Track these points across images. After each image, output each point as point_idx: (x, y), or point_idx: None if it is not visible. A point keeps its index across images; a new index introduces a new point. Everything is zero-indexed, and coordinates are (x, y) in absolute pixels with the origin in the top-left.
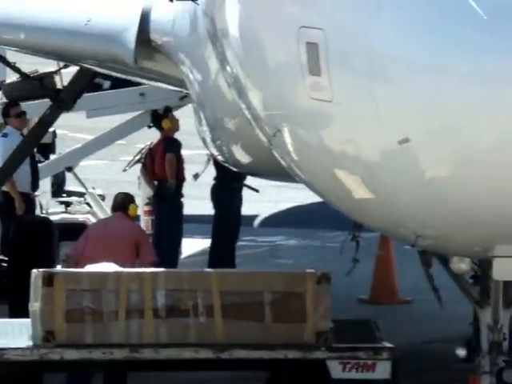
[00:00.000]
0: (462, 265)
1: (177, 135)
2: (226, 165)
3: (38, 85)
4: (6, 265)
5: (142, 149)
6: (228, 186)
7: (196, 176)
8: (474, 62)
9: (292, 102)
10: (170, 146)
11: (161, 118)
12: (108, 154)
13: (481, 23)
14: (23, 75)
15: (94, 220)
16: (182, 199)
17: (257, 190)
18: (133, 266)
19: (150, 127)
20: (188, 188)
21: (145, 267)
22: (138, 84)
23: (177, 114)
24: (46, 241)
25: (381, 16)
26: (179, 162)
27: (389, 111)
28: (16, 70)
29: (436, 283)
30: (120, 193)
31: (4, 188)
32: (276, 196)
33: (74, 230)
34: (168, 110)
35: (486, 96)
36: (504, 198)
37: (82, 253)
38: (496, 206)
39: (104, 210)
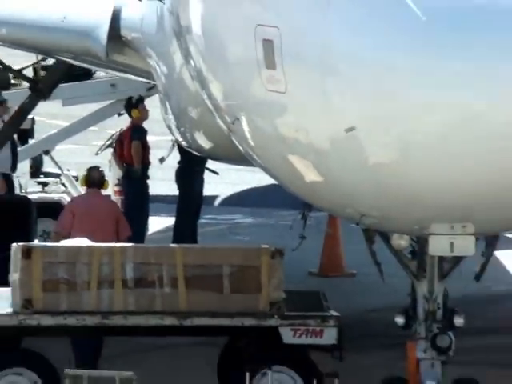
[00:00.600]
0: (401, 241)
1: (145, 122)
2: (189, 150)
3: (17, 75)
4: None
5: (113, 135)
6: (191, 169)
7: (162, 160)
8: (411, 56)
9: (250, 94)
10: (136, 134)
11: (131, 107)
12: (82, 139)
13: (418, 23)
14: (5, 67)
15: (68, 199)
16: (148, 181)
17: (217, 173)
18: (115, 240)
19: (119, 115)
20: (154, 171)
21: (123, 241)
22: None
23: (146, 102)
24: (25, 217)
25: (328, 15)
26: (145, 148)
27: (336, 102)
28: None
29: (378, 258)
30: (93, 169)
31: None
32: (234, 178)
33: (50, 208)
34: (140, 100)
35: (422, 89)
36: (438, 181)
37: (71, 229)
38: (431, 189)
39: (78, 190)
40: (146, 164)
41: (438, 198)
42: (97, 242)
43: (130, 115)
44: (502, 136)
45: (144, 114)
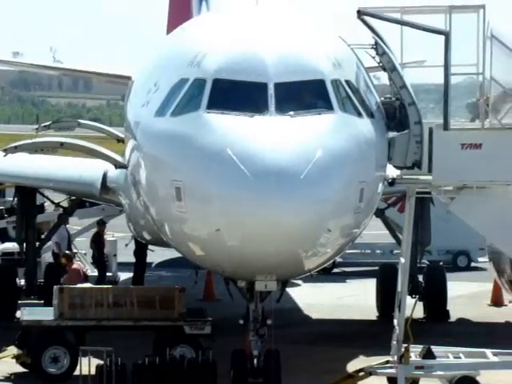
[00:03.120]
0: (242, 283)
1: (118, 222)
2: (139, 239)
3: (56, 204)
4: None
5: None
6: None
7: (126, 245)
8: (236, 197)
9: (169, 213)
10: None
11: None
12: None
13: (246, 179)
14: (51, 201)
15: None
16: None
17: (152, 250)
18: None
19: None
20: (124, 250)
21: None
22: None
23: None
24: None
25: (207, 176)
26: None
27: (210, 218)
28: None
29: (231, 290)
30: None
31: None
32: (163, 252)
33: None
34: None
35: (242, 217)
36: (258, 258)
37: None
38: (257, 261)
39: (86, 262)
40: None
41: (259, 265)
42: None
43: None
44: (277, 234)
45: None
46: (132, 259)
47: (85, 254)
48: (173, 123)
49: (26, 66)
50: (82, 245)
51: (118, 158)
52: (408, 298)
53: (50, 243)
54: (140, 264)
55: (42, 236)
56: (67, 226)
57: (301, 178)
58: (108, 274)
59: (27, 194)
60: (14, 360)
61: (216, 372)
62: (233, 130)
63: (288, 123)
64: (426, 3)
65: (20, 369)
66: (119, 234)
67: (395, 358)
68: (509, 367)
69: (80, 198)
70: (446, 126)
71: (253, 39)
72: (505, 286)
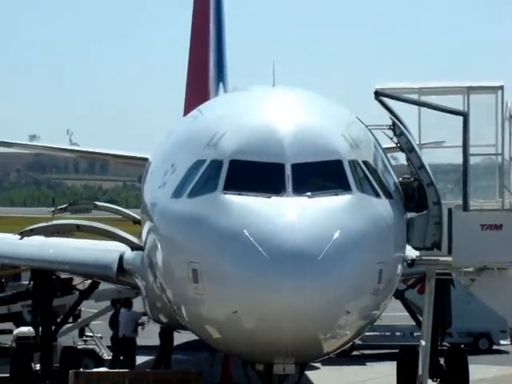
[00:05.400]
0: (260, 367)
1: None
2: (156, 322)
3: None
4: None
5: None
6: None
7: (143, 328)
8: (254, 279)
9: (186, 295)
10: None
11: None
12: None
13: (263, 260)
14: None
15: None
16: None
17: (179, 332)
18: None
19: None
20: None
21: None
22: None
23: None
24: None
25: (224, 259)
26: None
27: (227, 300)
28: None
29: (249, 374)
30: None
31: None
32: (180, 336)
33: (88, 352)
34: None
35: (259, 299)
36: (274, 342)
37: None
38: (274, 346)
39: (102, 344)
40: None
41: (277, 348)
42: None
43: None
44: (295, 317)
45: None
46: (148, 342)
47: (101, 338)
48: (190, 204)
49: (41, 149)
50: (98, 328)
51: (135, 239)
52: (429, 381)
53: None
54: (165, 346)
55: (58, 320)
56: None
57: (318, 259)
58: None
59: (43, 276)
60: None
61: None
62: (250, 210)
63: (305, 204)
64: (444, 84)
65: None
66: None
67: None
68: None
69: (96, 281)
70: (465, 207)
71: (269, 120)
72: None
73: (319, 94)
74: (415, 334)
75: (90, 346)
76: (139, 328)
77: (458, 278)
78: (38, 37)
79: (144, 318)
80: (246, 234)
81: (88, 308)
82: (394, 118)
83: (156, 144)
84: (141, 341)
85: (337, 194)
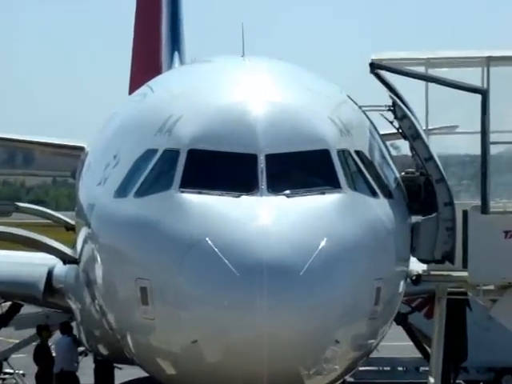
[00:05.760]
0: None
1: None
2: (94, 354)
3: None
4: None
5: None
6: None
7: (77, 363)
8: (218, 301)
9: (133, 321)
10: None
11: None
12: None
13: (230, 277)
14: None
15: None
16: None
17: (120, 368)
18: None
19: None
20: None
21: None
22: None
23: None
24: None
25: (180, 273)
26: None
27: (185, 327)
28: None
29: None
30: None
31: None
32: (126, 371)
33: None
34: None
35: (225, 326)
36: (239, 375)
37: None
38: (237, 379)
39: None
40: None
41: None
42: None
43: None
44: (271, 347)
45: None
46: (82, 380)
47: (23, 375)
48: (137, 206)
49: None
50: (20, 363)
51: (67, 250)
52: None
53: None
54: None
55: None
56: None
57: (300, 274)
58: None
59: None
60: None
61: None
62: (213, 214)
63: (283, 205)
64: (458, 54)
65: None
66: None
67: None
68: None
69: (17, 303)
70: (484, 209)
71: (238, 99)
72: None
73: (301, 66)
74: (422, 368)
75: None
76: (80, 358)
77: (475, 298)
78: None
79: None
80: (209, 243)
81: (7, 338)
82: (394, 97)
83: (94, 130)
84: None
85: (323, 193)
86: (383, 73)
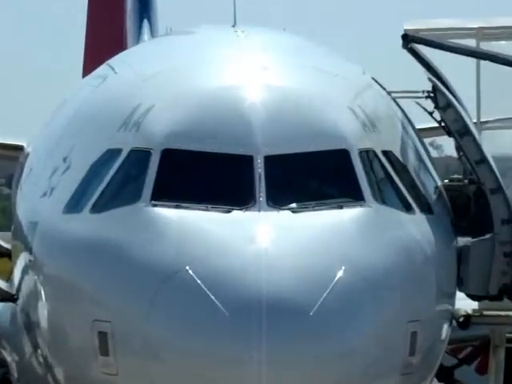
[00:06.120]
0: None
1: None
2: None
3: None
4: None
5: None
6: None
7: None
8: (200, 349)
9: (88, 376)
10: None
11: None
12: None
13: (217, 318)
14: None
15: None
16: None
17: None
18: None
19: None
20: None
21: None
22: None
23: None
24: None
25: (152, 314)
26: None
27: (160, 379)
28: None
29: None
30: None
31: None
32: None
33: None
34: None
35: (213, 375)
36: None
37: None
38: None
39: None
40: None
41: None
42: None
43: None
44: None
45: None
46: None
47: None
48: (94, 224)
49: None
50: None
51: (1, 283)
52: None
53: None
54: None
55: None
56: None
57: (309, 315)
58: None
59: None
60: None
61: None
62: (195, 235)
63: (288, 223)
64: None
65: None
66: None
67: None
68: None
69: None
70: None
71: (227, 83)
72: None
73: (310, 40)
74: None
75: None
76: None
77: None
78: None
79: None
80: (190, 273)
81: None
82: (435, 80)
83: (37, 125)
84: None
85: (340, 207)
86: (420, 47)
